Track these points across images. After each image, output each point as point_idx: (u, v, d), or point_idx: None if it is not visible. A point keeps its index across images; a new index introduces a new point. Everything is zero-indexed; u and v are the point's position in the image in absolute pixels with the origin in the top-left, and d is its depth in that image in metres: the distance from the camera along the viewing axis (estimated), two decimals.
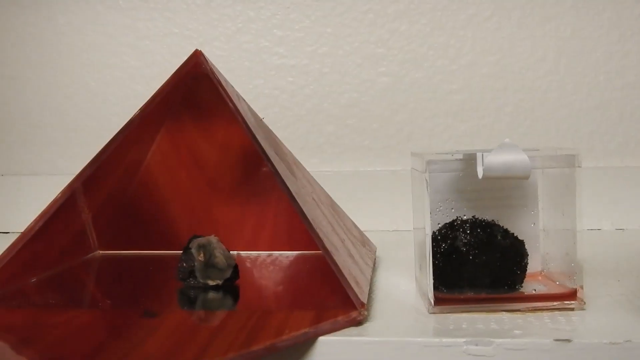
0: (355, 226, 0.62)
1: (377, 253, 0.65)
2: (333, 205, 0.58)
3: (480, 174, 0.45)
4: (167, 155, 0.61)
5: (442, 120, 0.81)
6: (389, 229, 0.80)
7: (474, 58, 0.81)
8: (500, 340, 0.40)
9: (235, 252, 0.63)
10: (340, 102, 0.83)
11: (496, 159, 0.44)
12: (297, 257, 0.61)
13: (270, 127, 0.87)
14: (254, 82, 0.83)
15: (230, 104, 0.48)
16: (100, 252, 0.64)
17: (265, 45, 0.83)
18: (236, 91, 0.52)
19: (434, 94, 0.82)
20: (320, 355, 0.41)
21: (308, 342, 0.41)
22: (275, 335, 0.39)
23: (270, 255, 0.63)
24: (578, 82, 0.80)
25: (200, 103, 0.58)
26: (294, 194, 0.46)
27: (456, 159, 0.46)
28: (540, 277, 0.50)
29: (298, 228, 0.59)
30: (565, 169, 0.46)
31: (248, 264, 0.60)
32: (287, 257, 0.62)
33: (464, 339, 0.40)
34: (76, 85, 0.86)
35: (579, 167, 0.45)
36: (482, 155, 0.45)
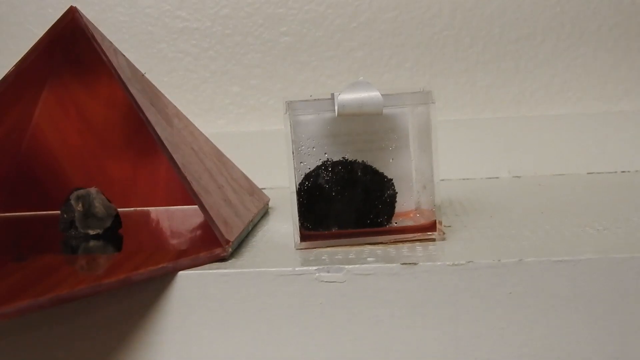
0: (247, 178, 0.63)
1: (273, 205, 0.66)
2: (220, 157, 0.60)
3: (336, 111, 0.46)
4: (55, 115, 0.61)
5: (344, 77, 0.83)
6: None
7: (372, 15, 0.83)
8: (351, 266, 0.42)
9: (132, 209, 0.64)
10: (244, 62, 0.84)
11: (349, 96, 0.46)
12: (192, 210, 0.62)
13: (176, 90, 0.87)
14: (157, 47, 0.84)
15: (104, 57, 0.49)
16: None
17: (167, 9, 0.84)
18: (114, 46, 0.53)
19: (335, 52, 0.83)
20: (180, 290, 0.42)
21: (168, 277, 0.42)
22: (132, 270, 0.40)
23: (166, 210, 0.64)
24: (474, 36, 0.82)
25: (83, 60, 0.58)
26: (162, 138, 0.47)
27: (315, 100, 0.47)
28: (411, 215, 0.52)
29: None
30: (422, 107, 0.48)
31: (139, 218, 0.61)
32: (182, 211, 0.63)
33: (315, 267, 0.42)
34: None
35: (433, 103, 0.47)
36: (337, 94, 0.46)
